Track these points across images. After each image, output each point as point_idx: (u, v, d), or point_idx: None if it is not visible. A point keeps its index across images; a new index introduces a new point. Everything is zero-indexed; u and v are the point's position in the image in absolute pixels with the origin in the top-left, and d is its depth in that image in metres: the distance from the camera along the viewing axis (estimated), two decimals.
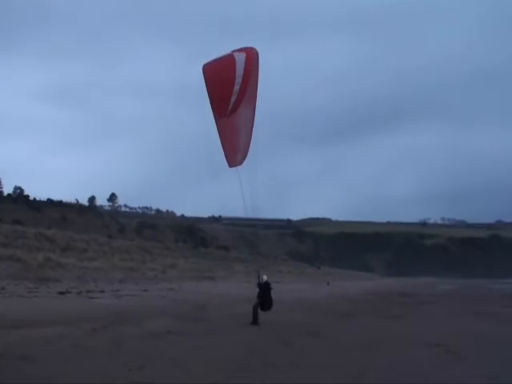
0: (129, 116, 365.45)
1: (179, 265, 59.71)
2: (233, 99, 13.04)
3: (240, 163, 15.12)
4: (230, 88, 12.97)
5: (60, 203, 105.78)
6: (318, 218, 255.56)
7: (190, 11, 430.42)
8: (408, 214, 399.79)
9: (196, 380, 9.75)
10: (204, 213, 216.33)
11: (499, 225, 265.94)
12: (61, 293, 27.50)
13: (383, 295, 44.58)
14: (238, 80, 12.99)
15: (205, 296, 31.73)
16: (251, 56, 13.71)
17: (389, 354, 12.98)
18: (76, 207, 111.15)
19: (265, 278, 18.75)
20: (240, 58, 13.35)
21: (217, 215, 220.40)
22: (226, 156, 14.88)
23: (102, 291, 30.21)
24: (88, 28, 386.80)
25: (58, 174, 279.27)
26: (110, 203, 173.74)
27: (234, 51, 13.98)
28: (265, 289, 18.44)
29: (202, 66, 14.02)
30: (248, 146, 14.95)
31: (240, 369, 10.79)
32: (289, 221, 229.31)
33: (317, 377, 10.22)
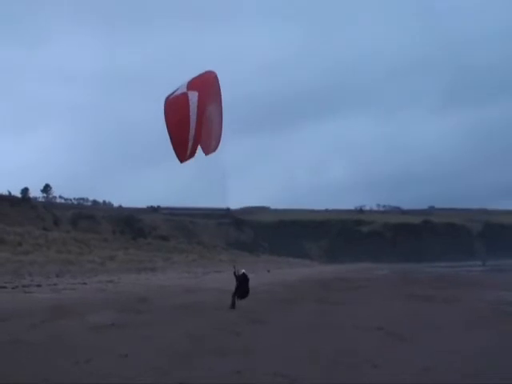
0: (58, 104, 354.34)
1: (118, 256, 58.73)
2: (190, 144, 13.30)
3: (214, 150, 15.60)
4: (186, 134, 13.15)
5: None
6: (256, 207, 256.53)
7: None
8: (344, 201, 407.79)
9: (143, 370, 9.68)
10: (142, 203, 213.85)
11: (431, 210, 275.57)
12: None
13: (323, 281, 45.36)
14: (193, 125, 13.15)
15: (146, 287, 31.36)
16: (203, 90, 13.84)
17: (334, 339, 13.27)
18: (8, 199, 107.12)
19: (242, 271, 20.52)
20: (193, 98, 13.47)
21: (155, 205, 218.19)
22: (202, 144, 15.08)
23: (39, 285, 29.33)
24: (11, 11, 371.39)
25: None
26: (44, 194, 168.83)
27: (189, 86, 13.95)
28: (242, 279, 20.06)
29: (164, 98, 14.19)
30: (220, 133, 15.51)
31: (186, 358, 10.79)
32: (228, 210, 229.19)
33: (265, 362, 10.33)
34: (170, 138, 13.53)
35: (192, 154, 13.61)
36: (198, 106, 13.39)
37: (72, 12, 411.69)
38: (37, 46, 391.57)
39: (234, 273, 20.61)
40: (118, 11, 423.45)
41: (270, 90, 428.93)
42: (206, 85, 14.40)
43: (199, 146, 14.71)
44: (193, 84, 14.09)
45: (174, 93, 14.25)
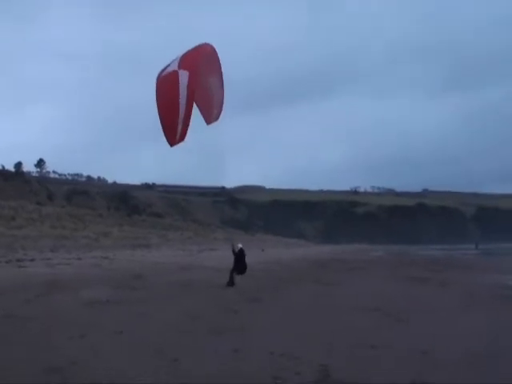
0: (53, 80, 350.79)
1: (113, 233, 58.55)
2: (179, 129, 13.09)
3: (216, 119, 15.49)
4: (176, 118, 12.93)
5: None
6: (251, 186, 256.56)
7: None
8: (338, 182, 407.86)
9: (139, 346, 9.60)
10: (136, 180, 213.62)
11: (425, 193, 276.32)
12: None
13: (319, 261, 45.43)
14: (182, 109, 12.91)
15: (141, 264, 31.30)
16: (195, 69, 13.52)
17: (331, 319, 13.20)
18: (1, 173, 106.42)
19: (239, 245, 20.56)
20: (183, 79, 13.17)
21: (150, 182, 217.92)
22: (203, 113, 14.96)
23: (33, 260, 29.23)
24: None
25: None
26: (38, 169, 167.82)
27: (181, 63, 13.63)
28: (240, 255, 20.20)
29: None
30: (221, 102, 15.39)
31: (182, 335, 10.71)
32: (223, 188, 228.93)
33: (262, 341, 10.23)
34: (160, 121, 13.34)
35: (181, 138, 13.39)
36: (187, 88, 13.12)
37: None
38: (32, 24, 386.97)
39: (233, 250, 20.53)
40: None
41: (267, 70, 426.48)
42: (198, 62, 14.07)
43: (200, 118, 14.55)
44: (185, 61, 13.75)
45: (166, 68, 13.96)
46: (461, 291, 20.39)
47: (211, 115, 15.46)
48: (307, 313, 14.18)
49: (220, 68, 15.21)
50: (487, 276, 28.94)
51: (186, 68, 13.40)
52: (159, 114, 13.28)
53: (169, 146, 13.61)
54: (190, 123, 14.01)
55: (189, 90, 13.07)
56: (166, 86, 13.38)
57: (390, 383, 7.89)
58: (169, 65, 13.92)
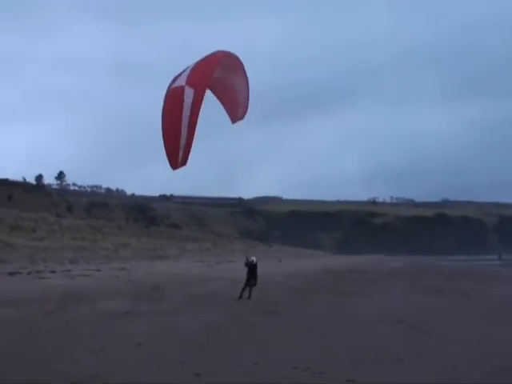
0: (73, 91, 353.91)
1: (131, 244, 58.71)
2: (180, 154, 13.11)
3: (242, 118, 15.54)
4: (177, 142, 12.95)
5: (6, 181, 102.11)
6: (268, 197, 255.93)
7: None
8: (357, 192, 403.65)
9: (160, 359, 9.49)
10: (154, 191, 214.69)
11: (445, 203, 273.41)
12: (10, 274, 26.46)
13: (336, 272, 45.04)
14: (184, 132, 12.89)
15: (159, 276, 31.23)
16: (200, 89, 13.48)
17: (353, 331, 12.97)
18: (23, 185, 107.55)
19: (253, 258, 20.62)
20: (188, 98, 13.11)
21: (168, 194, 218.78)
22: (229, 112, 15.04)
23: (53, 271, 29.34)
24: None
25: (2, 151, 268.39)
26: (58, 182, 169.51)
27: (189, 77, 13.55)
28: (253, 268, 20.23)
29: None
30: (247, 101, 15.45)
31: (201, 348, 10.57)
32: (240, 199, 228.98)
33: (282, 354, 10.05)
34: (163, 145, 13.34)
35: (183, 163, 13.38)
36: (191, 110, 13.06)
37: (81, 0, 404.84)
38: (49, 34, 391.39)
39: (246, 263, 20.56)
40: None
41: (283, 81, 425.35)
42: (210, 73, 13.98)
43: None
44: (194, 74, 13.68)
45: (176, 79, 13.89)
46: (485, 303, 20.05)
47: (236, 114, 15.44)
48: (327, 325, 13.95)
49: (243, 68, 15.12)
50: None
51: (193, 85, 13.31)
52: (162, 138, 13.26)
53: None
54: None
55: (192, 112, 13.02)
56: (170, 106, 13.31)
57: None
58: (180, 74, 13.86)
